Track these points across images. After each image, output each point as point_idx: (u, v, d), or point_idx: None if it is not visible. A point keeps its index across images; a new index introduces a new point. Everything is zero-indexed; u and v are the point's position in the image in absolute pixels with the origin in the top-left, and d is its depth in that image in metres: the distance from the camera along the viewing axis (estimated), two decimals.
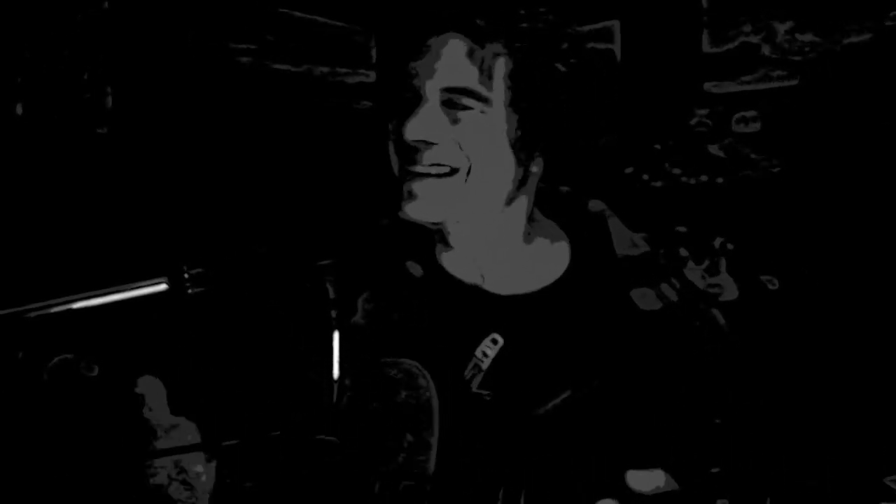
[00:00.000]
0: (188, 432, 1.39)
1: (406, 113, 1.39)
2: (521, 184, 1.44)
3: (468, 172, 1.39)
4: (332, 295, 1.15)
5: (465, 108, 1.38)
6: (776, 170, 2.14)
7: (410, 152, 1.39)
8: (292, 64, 2.39)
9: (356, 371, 1.36)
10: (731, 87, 2.19)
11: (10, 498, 1.36)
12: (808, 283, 2.07)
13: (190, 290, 1.10)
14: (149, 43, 2.19)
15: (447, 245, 1.48)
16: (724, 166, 2.19)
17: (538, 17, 1.42)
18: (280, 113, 2.35)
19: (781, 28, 2.13)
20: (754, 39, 2.16)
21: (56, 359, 1.42)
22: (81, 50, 2.11)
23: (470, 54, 1.37)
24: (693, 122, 2.22)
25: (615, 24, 2.27)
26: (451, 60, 1.38)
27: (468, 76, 1.37)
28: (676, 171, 2.24)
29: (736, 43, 2.18)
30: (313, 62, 2.42)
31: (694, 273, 1.82)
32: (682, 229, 2.19)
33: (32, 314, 1.05)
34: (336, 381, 1.14)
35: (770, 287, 2.11)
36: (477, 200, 1.41)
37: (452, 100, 1.38)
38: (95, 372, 1.41)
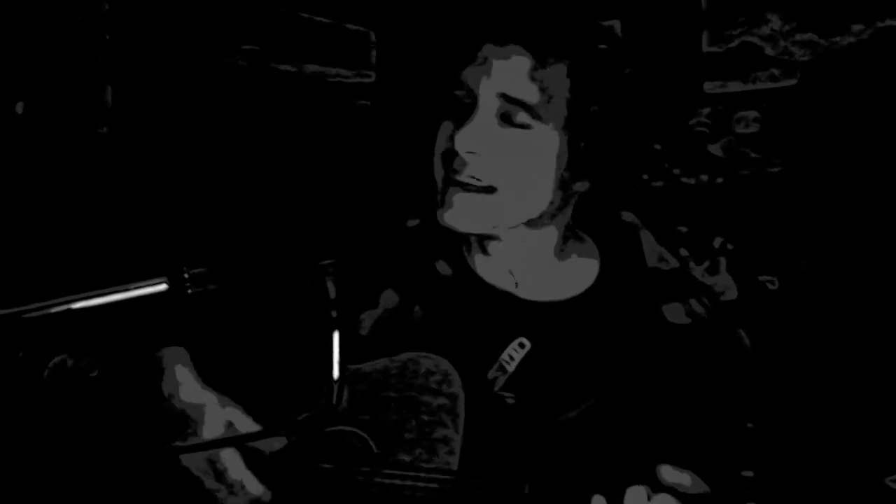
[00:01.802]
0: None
1: (458, 120, 1.39)
2: (561, 203, 1.44)
3: (508, 192, 1.38)
4: (332, 295, 1.15)
5: (521, 125, 1.37)
6: (776, 170, 2.14)
7: (455, 159, 1.38)
8: (293, 64, 2.39)
9: (378, 365, 1.37)
10: (731, 87, 2.19)
11: (11, 498, 1.36)
12: (808, 283, 2.07)
13: (190, 290, 1.10)
14: (149, 43, 2.19)
15: (485, 252, 1.48)
16: (724, 166, 2.19)
17: (602, 38, 1.41)
18: (280, 113, 2.35)
19: (781, 28, 2.13)
20: (754, 39, 2.16)
21: (56, 359, 1.42)
22: (81, 50, 2.11)
23: (532, 73, 1.36)
24: (693, 122, 2.22)
25: (615, 24, 2.27)
26: (513, 74, 1.36)
27: (529, 93, 1.36)
28: (676, 171, 2.24)
29: (736, 43, 2.18)
30: (314, 62, 2.42)
31: (694, 273, 1.82)
32: (682, 229, 2.19)
33: (32, 314, 1.05)
34: (336, 382, 1.14)
35: (770, 287, 2.11)
36: (515, 217, 1.41)
37: (509, 113, 1.37)
38: (96, 372, 1.41)
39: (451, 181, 1.39)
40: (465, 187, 1.38)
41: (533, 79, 1.35)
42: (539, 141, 1.38)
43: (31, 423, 1.38)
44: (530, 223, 1.43)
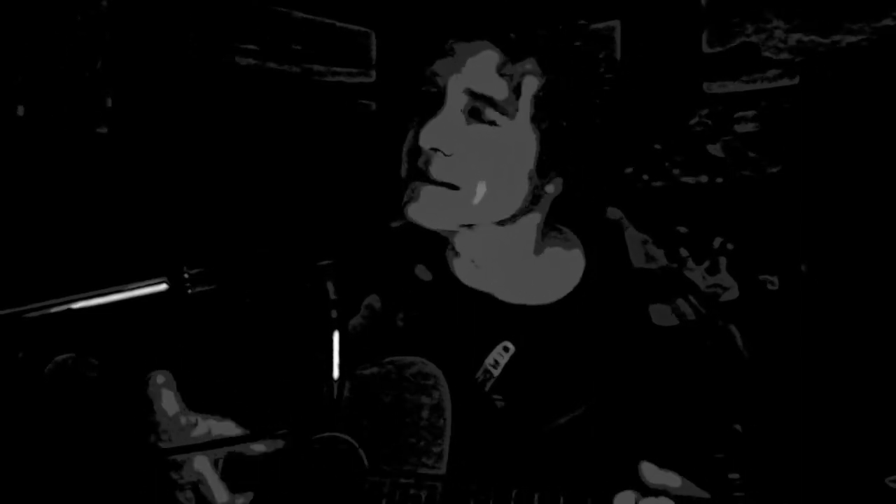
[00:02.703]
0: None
1: (425, 116, 1.35)
2: (531, 202, 1.41)
3: (474, 190, 1.35)
4: (332, 295, 1.15)
5: (488, 121, 1.34)
6: (776, 170, 2.14)
7: (421, 156, 1.35)
8: (292, 64, 2.39)
9: (365, 369, 1.36)
10: (731, 87, 2.19)
11: (11, 498, 1.36)
12: (808, 283, 2.07)
13: (190, 290, 1.10)
14: (149, 43, 2.19)
15: (455, 252, 1.47)
16: (724, 166, 2.19)
17: (576, 35, 1.38)
18: (280, 113, 2.35)
19: (781, 28, 2.13)
20: (754, 39, 2.16)
21: (56, 359, 1.41)
22: (81, 50, 2.11)
23: (501, 68, 1.32)
24: (693, 122, 2.22)
25: (615, 24, 2.26)
26: (481, 69, 1.33)
27: (497, 89, 1.33)
28: (676, 171, 2.23)
29: (736, 43, 2.18)
30: (314, 62, 2.42)
31: (694, 273, 1.81)
32: (682, 229, 2.19)
33: (32, 314, 1.05)
34: (336, 381, 1.14)
35: (770, 287, 2.11)
36: (481, 216, 1.39)
37: (476, 109, 1.34)
38: (95, 372, 1.41)
39: (415, 174, 1.36)
40: (429, 182, 1.35)
41: (501, 74, 1.33)
42: (506, 138, 1.35)
43: (31, 423, 1.37)
44: (499, 224, 1.40)
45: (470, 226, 1.40)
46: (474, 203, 1.36)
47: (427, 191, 1.35)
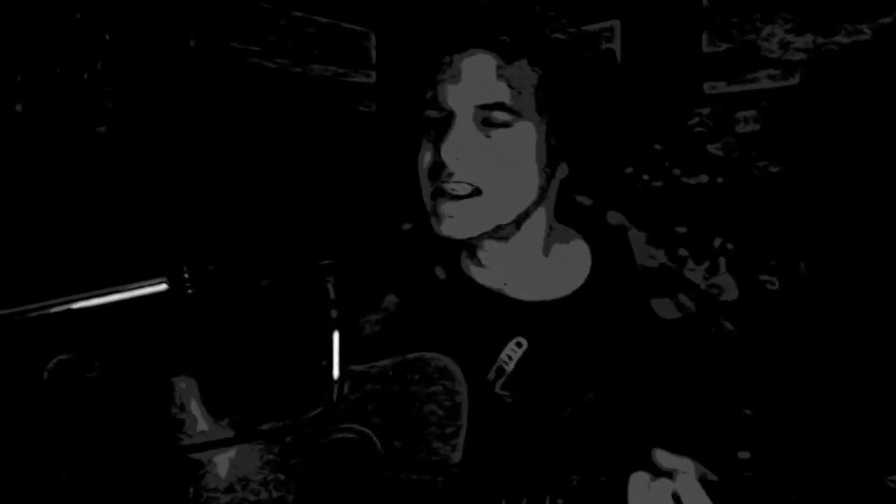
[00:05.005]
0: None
1: (438, 132, 1.40)
2: (543, 192, 1.45)
3: (497, 192, 1.40)
4: (332, 295, 1.15)
5: (500, 125, 1.39)
6: (776, 170, 2.14)
7: (443, 171, 1.39)
8: (293, 63, 2.39)
9: (384, 365, 1.38)
10: (731, 87, 2.19)
11: (11, 499, 1.36)
12: (808, 283, 2.08)
13: (190, 290, 1.10)
14: (149, 42, 2.19)
15: (474, 258, 1.50)
16: (724, 166, 2.20)
17: (560, 29, 1.43)
18: (280, 113, 2.35)
19: (781, 27, 2.13)
20: (754, 39, 2.16)
21: (56, 359, 1.42)
22: (81, 50, 2.11)
23: (500, 73, 1.38)
24: (693, 122, 2.22)
25: (615, 24, 2.27)
26: (483, 78, 1.38)
27: (501, 92, 1.38)
28: (676, 171, 2.24)
29: (736, 43, 2.18)
30: (314, 62, 2.42)
31: (694, 273, 1.83)
32: (682, 229, 2.20)
33: (32, 314, 1.05)
34: (336, 381, 1.14)
35: (770, 287, 2.11)
36: (506, 214, 1.42)
37: (487, 118, 1.39)
38: (96, 372, 1.41)
39: (439, 192, 1.40)
40: (454, 196, 1.39)
41: (501, 78, 1.37)
42: (519, 136, 1.40)
43: (31, 423, 1.38)
44: (518, 221, 1.44)
45: (496, 230, 1.43)
46: (498, 203, 1.40)
47: (452, 205, 1.39)
